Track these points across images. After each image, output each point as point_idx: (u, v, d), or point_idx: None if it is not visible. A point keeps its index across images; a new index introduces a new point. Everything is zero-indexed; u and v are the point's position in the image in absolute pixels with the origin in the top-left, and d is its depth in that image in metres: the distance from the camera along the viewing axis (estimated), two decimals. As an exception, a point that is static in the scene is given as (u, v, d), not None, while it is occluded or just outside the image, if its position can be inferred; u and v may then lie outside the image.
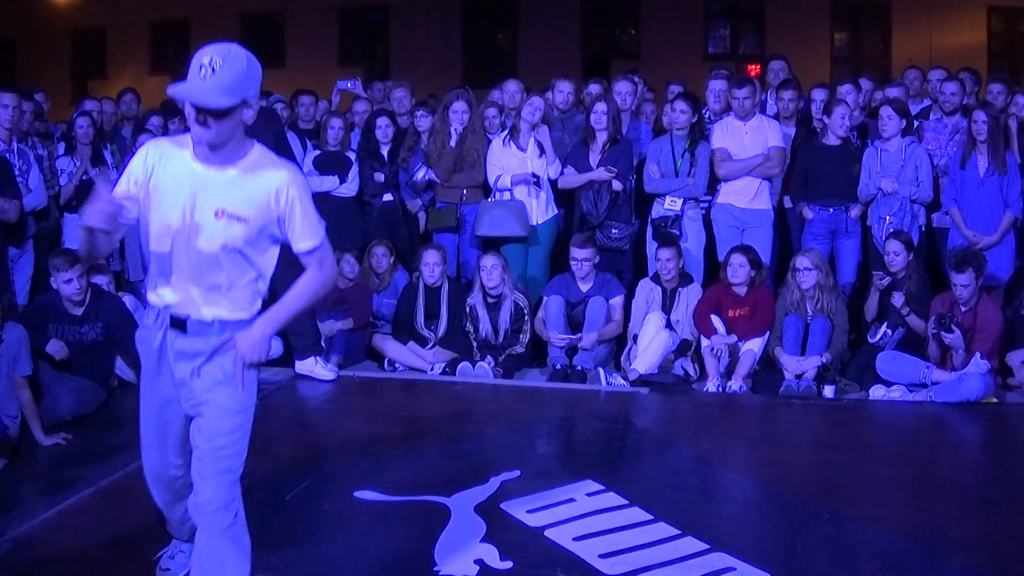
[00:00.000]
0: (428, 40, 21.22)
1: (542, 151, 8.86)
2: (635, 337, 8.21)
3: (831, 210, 8.51)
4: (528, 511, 5.24)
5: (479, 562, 4.67)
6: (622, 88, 9.49)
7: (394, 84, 10.83)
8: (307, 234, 3.67)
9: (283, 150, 7.86)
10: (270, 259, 3.74)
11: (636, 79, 10.23)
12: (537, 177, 8.75)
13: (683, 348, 8.07)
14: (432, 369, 8.27)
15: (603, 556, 4.70)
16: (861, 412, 7.21)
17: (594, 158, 8.76)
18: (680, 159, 8.70)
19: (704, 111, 9.16)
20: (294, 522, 5.14)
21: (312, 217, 3.67)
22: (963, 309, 7.58)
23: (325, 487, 5.63)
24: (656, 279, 8.37)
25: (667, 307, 8.28)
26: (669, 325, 8.18)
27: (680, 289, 8.29)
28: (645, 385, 7.77)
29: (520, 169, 8.80)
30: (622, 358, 8.22)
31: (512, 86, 9.84)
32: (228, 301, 3.66)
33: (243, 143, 3.58)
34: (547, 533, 4.98)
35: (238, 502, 3.70)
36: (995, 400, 7.38)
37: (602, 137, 8.75)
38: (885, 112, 8.45)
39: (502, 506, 5.33)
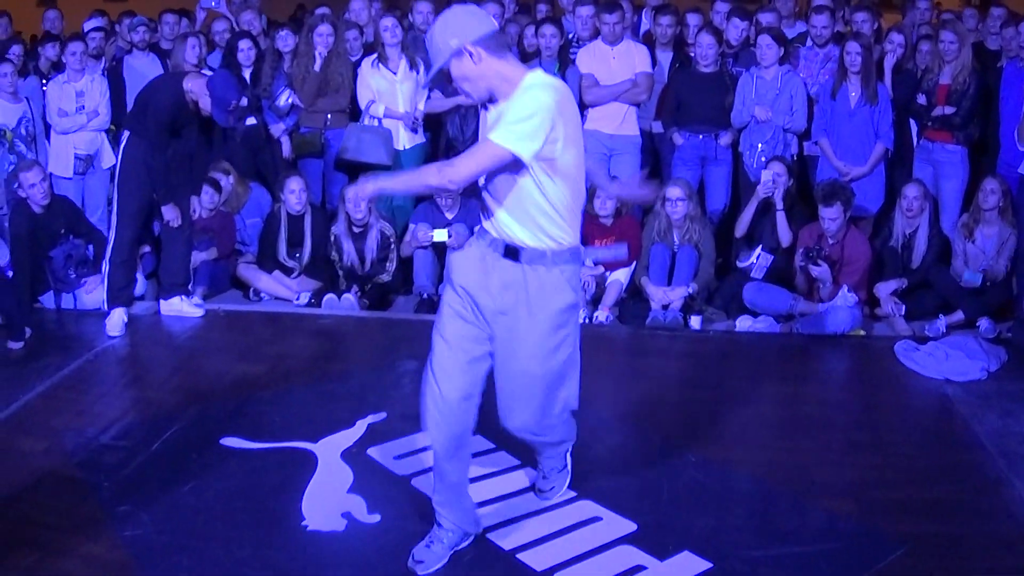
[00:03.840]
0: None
1: (416, 70, 8.65)
2: None
3: (700, 137, 8.42)
4: (395, 457, 5.22)
5: (347, 515, 4.66)
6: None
7: (242, 5, 10.46)
8: None
9: None
10: None
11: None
12: (415, 118, 8.65)
13: None
14: (298, 299, 8.15)
15: (472, 507, 4.68)
16: (728, 344, 7.22)
17: (459, 82, 8.60)
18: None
19: (572, 36, 9.06)
20: (163, 473, 5.06)
21: None
22: (831, 242, 7.57)
23: (192, 434, 5.54)
24: None
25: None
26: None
27: None
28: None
29: (391, 92, 8.62)
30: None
31: (356, 4, 9.62)
32: None
33: None
34: (415, 482, 4.94)
35: None
36: (863, 332, 7.45)
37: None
38: (764, 40, 8.32)
39: (369, 452, 5.29)
